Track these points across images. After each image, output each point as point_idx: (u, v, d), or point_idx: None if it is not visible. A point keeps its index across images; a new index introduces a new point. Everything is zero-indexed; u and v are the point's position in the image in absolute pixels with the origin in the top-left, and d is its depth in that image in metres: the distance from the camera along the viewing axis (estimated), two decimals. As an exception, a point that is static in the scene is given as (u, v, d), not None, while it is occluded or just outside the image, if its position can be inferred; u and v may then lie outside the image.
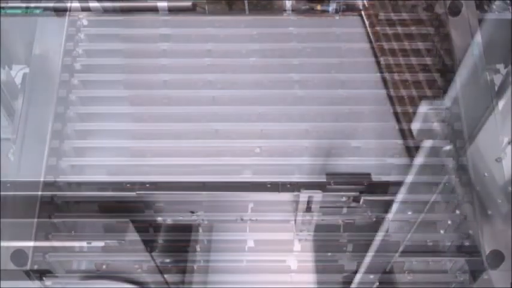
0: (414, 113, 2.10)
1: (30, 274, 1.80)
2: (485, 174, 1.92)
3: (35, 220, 1.87)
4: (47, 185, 1.96)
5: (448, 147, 2.00)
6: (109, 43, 2.31)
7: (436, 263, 1.94)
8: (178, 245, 2.06)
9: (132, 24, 2.36)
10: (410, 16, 2.36)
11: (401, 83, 2.21)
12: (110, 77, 2.23)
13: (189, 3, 2.39)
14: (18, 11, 2.32)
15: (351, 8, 2.41)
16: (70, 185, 2.01)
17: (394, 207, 1.92)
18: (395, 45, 2.30)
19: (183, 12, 2.39)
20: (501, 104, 2.17)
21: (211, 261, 2.05)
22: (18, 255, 1.79)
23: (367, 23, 2.36)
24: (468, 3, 2.26)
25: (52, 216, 1.92)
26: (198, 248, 2.07)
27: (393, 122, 2.14)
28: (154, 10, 2.38)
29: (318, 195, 1.89)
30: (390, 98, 2.19)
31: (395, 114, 2.16)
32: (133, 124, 2.15)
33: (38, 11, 2.31)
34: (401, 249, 1.88)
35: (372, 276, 1.91)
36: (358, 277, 1.92)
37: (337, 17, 2.40)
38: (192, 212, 2.02)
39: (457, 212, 1.95)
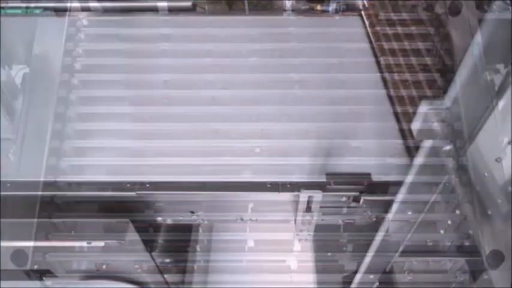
0: (414, 113, 2.10)
1: (30, 274, 1.80)
2: (485, 174, 1.92)
3: (35, 220, 1.86)
4: (47, 185, 1.96)
5: (448, 147, 1.99)
6: (109, 43, 2.31)
7: (436, 263, 1.93)
8: (178, 245, 2.06)
9: (132, 24, 2.36)
10: (410, 16, 2.36)
11: (401, 83, 2.21)
12: (110, 77, 2.23)
13: (189, 3, 2.39)
14: (18, 11, 2.32)
15: (351, 8, 2.41)
16: (70, 185, 2.01)
17: (394, 207, 1.92)
18: (395, 45, 2.29)
19: (183, 12, 2.40)
20: (501, 104, 2.16)
21: (211, 261, 2.05)
22: (18, 255, 1.79)
23: (367, 23, 2.36)
24: (468, 3, 2.25)
25: (52, 216, 1.91)
26: (198, 248, 2.07)
27: (393, 122, 2.14)
28: (154, 10, 2.39)
29: (318, 195, 1.89)
30: (390, 98, 2.19)
31: (396, 114, 2.15)
32: (133, 124, 2.14)
33: (38, 11, 2.31)
34: (401, 249, 1.87)
35: (372, 276, 1.91)
36: (358, 277, 1.92)
37: (337, 17, 2.40)
38: (192, 212, 2.01)
39: (457, 212, 1.94)
